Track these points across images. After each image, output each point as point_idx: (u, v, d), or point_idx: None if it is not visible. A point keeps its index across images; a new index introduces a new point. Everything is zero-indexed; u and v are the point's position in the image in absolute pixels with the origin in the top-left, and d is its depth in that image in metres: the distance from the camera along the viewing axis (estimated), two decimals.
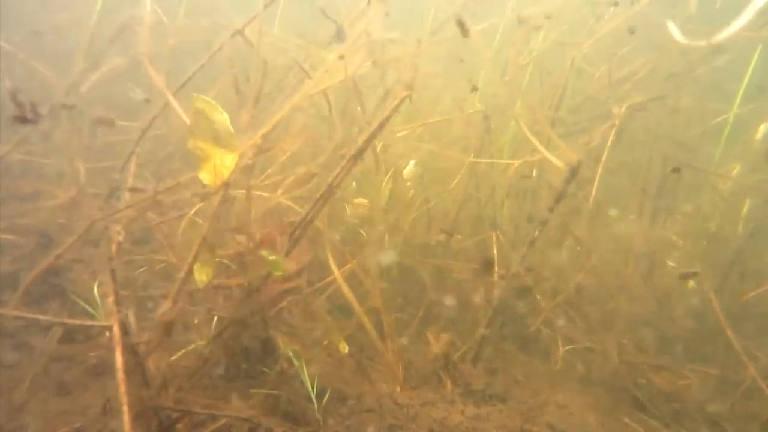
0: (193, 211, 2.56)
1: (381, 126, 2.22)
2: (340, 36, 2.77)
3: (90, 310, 2.54)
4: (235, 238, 2.42)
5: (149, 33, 2.82)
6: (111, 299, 1.78)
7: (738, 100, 4.31)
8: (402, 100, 2.11)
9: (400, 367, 2.73)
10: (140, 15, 2.88)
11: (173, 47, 3.68)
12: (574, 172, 2.37)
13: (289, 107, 2.18)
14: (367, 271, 2.76)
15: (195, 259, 2.10)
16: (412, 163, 3.43)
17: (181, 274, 2.09)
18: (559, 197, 2.50)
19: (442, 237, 3.25)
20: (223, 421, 2.27)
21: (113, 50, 3.36)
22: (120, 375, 1.71)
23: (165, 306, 2.01)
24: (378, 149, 2.99)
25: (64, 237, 3.23)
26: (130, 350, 1.82)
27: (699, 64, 4.02)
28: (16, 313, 2.30)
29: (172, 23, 3.99)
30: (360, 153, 2.31)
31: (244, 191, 2.34)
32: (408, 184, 3.33)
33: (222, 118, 2.06)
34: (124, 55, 3.05)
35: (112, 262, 1.84)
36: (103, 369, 2.56)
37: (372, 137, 2.25)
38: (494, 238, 3.36)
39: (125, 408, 1.66)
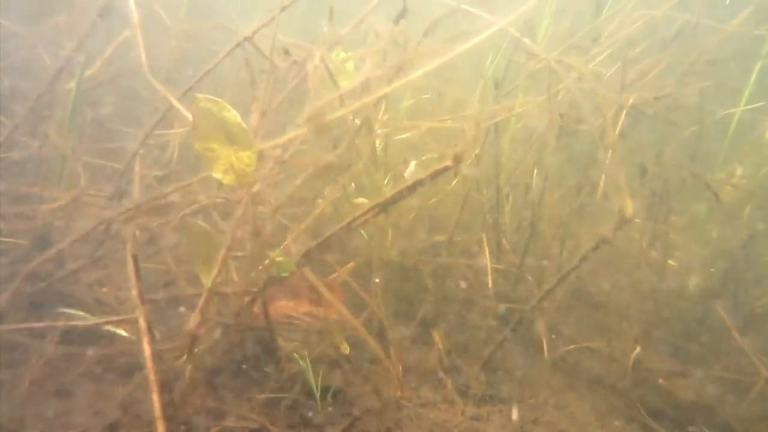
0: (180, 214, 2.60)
1: (413, 187, 2.13)
2: (401, 15, 2.76)
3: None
4: (241, 241, 2.46)
5: (146, 35, 2.89)
6: (135, 292, 1.88)
7: (745, 98, 4.40)
8: (444, 168, 2.02)
9: (401, 368, 2.83)
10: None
11: (175, 48, 3.76)
12: (624, 222, 2.24)
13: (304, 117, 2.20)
14: (368, 271, 2.86)
15: (222, 268, 2.13)
16: (413, 164, 3.53)
17: (208, 285, 2.11)
18: (602, 242, 2.39)
19: (442, 237, 3.36)
20: (226, 422, 2.37)
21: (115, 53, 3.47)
22: (150, 365, 1.79)
23: (194, 318, 2.05)
24: (378, 150, 3.10)
25: (61, 240, 3.30)
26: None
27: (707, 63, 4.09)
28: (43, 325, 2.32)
29: (173, 24, 4.09)
30: (386, 205, 2.22)
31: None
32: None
33: (232, 115, 2.07)
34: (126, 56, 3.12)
35: (136, 256, 1.93)
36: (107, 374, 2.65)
37: (401, 195, 2.16)
38: (495, 239, 3.48)
39: (156, 397, 1.73)
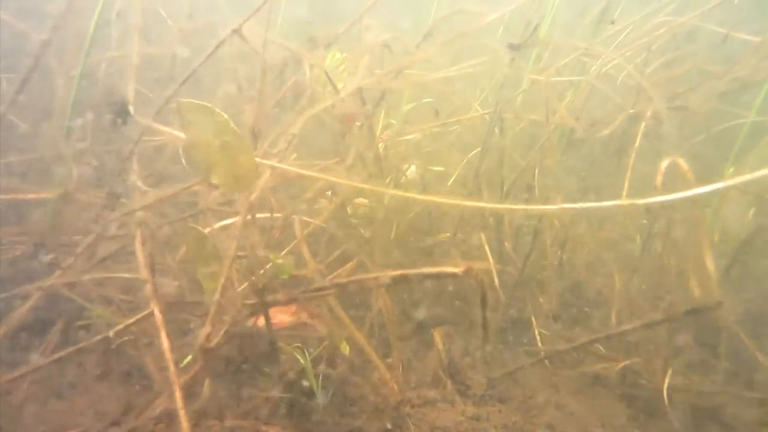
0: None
1: (421, 277, 2.13)
2: (517, 47, 2.73)
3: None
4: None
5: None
6: (149, 286, 1.96)
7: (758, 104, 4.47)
8: (451, 275, 2.02)
9: (401, 368, 2.94)
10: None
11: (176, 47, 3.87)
12: (710, 309, 2.13)
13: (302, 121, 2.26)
14: (368, 271, 2.97)
15: (228, 275, 2.16)
16: (413, 167, 3.63)
17: (215, 297, 2.14)
18: (669, 320, 2.32)
19: (443, 237, 3.47)
20: (228, 423, 2.48)
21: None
22: (168, 355, 1.86)
23: (205, 331, 2.06)
24: (380, 151, 3.22)
25: (57, 239, 3.38)
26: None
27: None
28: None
29: (174, 23, 4.22)
30: (393, 283, 2.20)
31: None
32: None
33: (223, 119, 2.03)
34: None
35: (148, 251, 2.02)
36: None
37: (409, 279, 2.15)
38: (496, 241, 3.58)
39: (177, 388, 1.80)
